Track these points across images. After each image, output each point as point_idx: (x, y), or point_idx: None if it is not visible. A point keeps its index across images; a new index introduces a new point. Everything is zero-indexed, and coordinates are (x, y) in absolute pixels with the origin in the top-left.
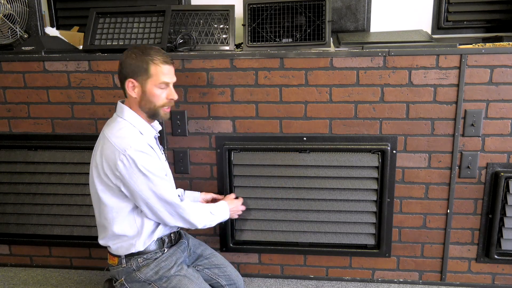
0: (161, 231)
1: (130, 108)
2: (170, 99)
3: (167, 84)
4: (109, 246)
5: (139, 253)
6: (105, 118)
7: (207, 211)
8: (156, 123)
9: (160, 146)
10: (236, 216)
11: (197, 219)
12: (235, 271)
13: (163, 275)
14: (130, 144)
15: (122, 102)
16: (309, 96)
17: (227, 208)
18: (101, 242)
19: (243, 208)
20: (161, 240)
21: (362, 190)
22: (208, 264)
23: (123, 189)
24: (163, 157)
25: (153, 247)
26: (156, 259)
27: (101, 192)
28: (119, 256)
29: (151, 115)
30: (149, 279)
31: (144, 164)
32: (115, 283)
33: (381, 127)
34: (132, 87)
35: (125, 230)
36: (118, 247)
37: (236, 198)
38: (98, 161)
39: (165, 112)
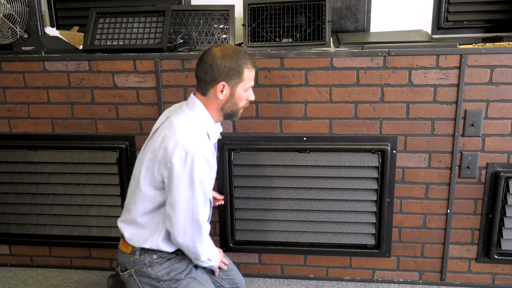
0: None
1: (205, 106)
2: (250, 100)
3: (252, 87)
4: (123, 233)
5: (154, 249)
6: (105, 118)
7: (214, 251)
8: (218, 125)
9: (216, 151)
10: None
11: (204, 253)
12: (240, 275)
13: (173, 277)
14: (198, 145)
15: (195, 95)
16: (309, 96)
17: (219, 258)
18: (119, 224)
19: (226, 261)
20: None
21: (362, 190)
22: None
23: (166, 180)
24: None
25: (169, 247)
26: (170, 259)
27: (143, 177)
28: (133, 246)
29: (230, 115)
30: (159, 277)
31: (201, 174)
32: (122, 272)
33: (381, 127)
34: (221, 90)
35: (147, 222)
36: (133, 237)
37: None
38: (157, 146)
39: (241, 111)
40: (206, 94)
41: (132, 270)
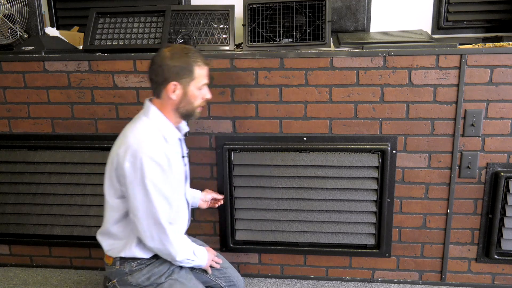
0: None
1: (161, 109)
2: (206, 99)
3: (206, 85)
4: (102, 245)
5: (131, 258)
6: (105, 118)
7: (190, 250)
8: (183, 124)
9: (183, 149)
10: (209, 267)
11: (178, 253)
12: (236, 272)
13: (154, 281)
14: (146, 150)
15: (150, 101)
16: (309, 96)
17: (206, 257)
18: (98, 237)
19: (219, 261)
20: None
21: (362, 190)
22: None
23: (123, 187)
24: (182, 162)
25: (144, 253)
26: (149, 264)
27: (107, 187)
28: (113, 257)
29: (187, 115)
30: (140, 284)
31: (152, 178)
32: (108, 283)
33: (381, 127)
34: (173, 90)
35: (119, 231)
36: (111, 248)
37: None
38: (112, 155)
39: (199, 111)
40: (160, 96)
41: (115, 280)
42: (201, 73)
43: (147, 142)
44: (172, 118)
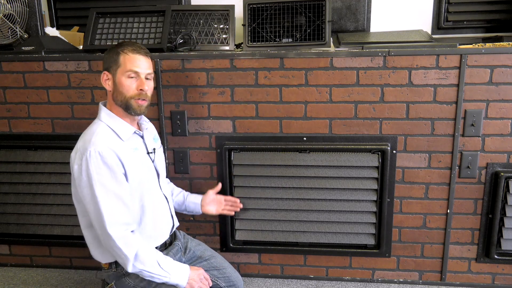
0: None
1: (109, 107)
2: (140, 90)
3: (136, 73)
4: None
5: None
6: None
7: (153, 261)
8: (145, 122)
9: (147, 144)
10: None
11: (128, 262)
12: (235, 272)
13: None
14: (92, 149)
15: (104, 104)
16: (309, 96)
17: (186, 275)
18: (92, 254)
19: (207, 279)
20: None
21: (362, 190)
22: (207, 266)
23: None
24: (147, 158)
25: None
26: None
27: (73, 194)
28: (109, 262)
29: (124, 107)
30: (138, 284)
31: (99, 178)
32: (106, 286)
33: (381, 127)
34: (106, 80)
35: (92, 236)
36: (101, 256)
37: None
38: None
39: (138, 104)
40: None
41: (113, 283)
42: (126, 58)
43: (93, 142)
44: (121, 115)
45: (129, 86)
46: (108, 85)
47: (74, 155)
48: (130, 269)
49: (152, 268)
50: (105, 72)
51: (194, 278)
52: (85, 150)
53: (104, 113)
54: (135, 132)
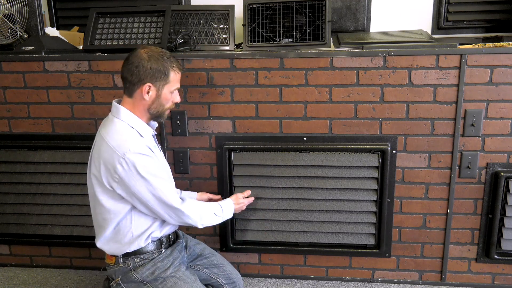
0: (157, 234)
1: (131, 108)
2: (175, 102)
3: (178, 89)
4: (104, 249)
5: (135, 253)
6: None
7: (211, 212)
8: (152, 122)
9: (158, 144)
10: (240, 211)
11: (197, 220)
12: (234, 270)
13: (159, 275)
14: (129, 147)
15: (118, 102)
16: (309, 96)
17: (232, 208)
18: (98, 244)
19: (250, 200)
20: (158, 241)
21: (362, 190)
22: (207, 264)
23: (119, 191)
24: (162, 155)
25: (150, 247)
26: (152, 259)
27: (100, 194)
28: (116, 256)
29: (156, 116)
30: (144, 279)
31: (144, 166)
32: (111, 282)
33: (381, 127)
34: (147, 91)
35: (120, 231)
36: (112, 248)
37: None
38: (96, 163)
39: (168, 113)
40: (132, 95)
41: (119, 278)
42: (175, 77)
43: (127, 141)
44: (142, 117)
45: (170, 100)
46: (148, 96)
47: (111, 158)
48: (201, 227)
49: (212, 219)
50: (150, 84)
51: (236, 207)
52: (124, 153)
53: (125, 114)
54: (152, 135)
